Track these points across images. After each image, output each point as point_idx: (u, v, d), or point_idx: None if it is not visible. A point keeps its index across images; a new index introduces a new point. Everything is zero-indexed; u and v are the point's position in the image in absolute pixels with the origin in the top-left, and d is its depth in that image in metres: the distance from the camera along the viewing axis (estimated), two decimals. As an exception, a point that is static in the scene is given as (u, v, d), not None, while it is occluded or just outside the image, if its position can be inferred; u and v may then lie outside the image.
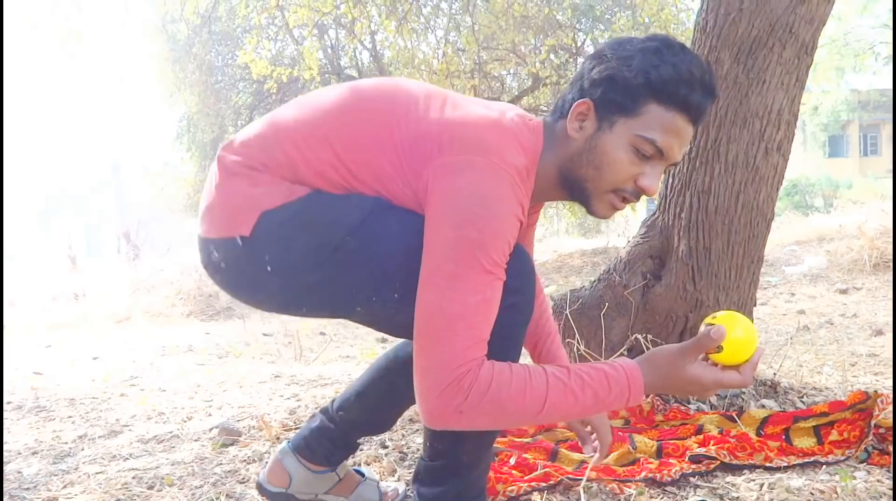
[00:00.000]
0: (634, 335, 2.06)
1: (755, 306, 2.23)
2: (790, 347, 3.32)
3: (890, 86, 24.11)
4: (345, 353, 4.43)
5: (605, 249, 10.70)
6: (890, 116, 25.02)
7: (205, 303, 7.30)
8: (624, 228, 13.06)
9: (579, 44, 9.76)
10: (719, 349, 1.02)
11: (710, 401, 2.01)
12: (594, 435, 1.44)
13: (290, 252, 1.10)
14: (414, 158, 1.07)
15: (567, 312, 2.17)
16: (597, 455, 1.41)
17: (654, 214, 2.29)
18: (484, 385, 0.98)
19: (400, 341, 1.37)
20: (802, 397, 2.15)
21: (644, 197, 1.22)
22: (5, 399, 2.86)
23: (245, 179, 1.11)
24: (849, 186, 23.48)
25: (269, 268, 1.11)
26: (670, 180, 2.22)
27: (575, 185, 1.14)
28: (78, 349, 4.83)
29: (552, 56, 7.69)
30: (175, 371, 3.61)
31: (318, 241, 1.10)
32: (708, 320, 1.06)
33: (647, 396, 0.99)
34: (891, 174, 24.86)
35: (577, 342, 2.11)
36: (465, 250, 0.99)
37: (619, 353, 2.05)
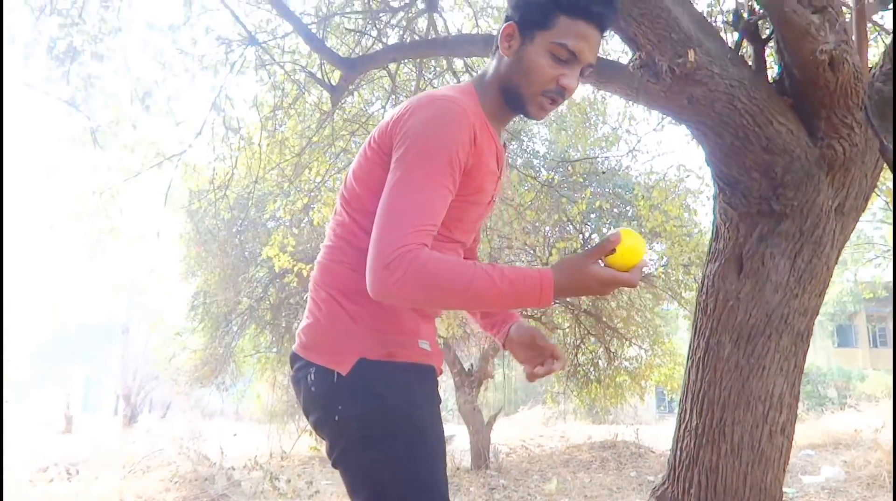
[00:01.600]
0: None
1: None
2: None
3: (891, 279, 24.62)
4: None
5: (615, 442, 10.42)
6: None
7: (199, 489, 7.06)
8: (633, 417, 12.79)
9: (587, 235, 10.25)
10: (614, 251, 1.22)
11: None
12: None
13: (354, 411, 1.29)
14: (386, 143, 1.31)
15: None
16: (557, 363, 1.51)
17: (664, 483, 2.29)
18: (422, 261, 1.16)
19: None
20: None
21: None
22: None
23: (342, 309, 1.33)
24: (861, 379, 23.13)
25: (336, 417, 1.29)
26: (678, 453, 2.25)
27: (512, 93, 1.35)
28: (63, 548, 4.63)
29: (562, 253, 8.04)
30: None
31: (372, 423, 1.28)
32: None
33: (559, 297, 1.21)
34: (903, 367, 24.57)
35: None
36: (412, 159, 1.22)
37: None
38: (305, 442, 11.77)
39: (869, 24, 2.18)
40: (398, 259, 1.16)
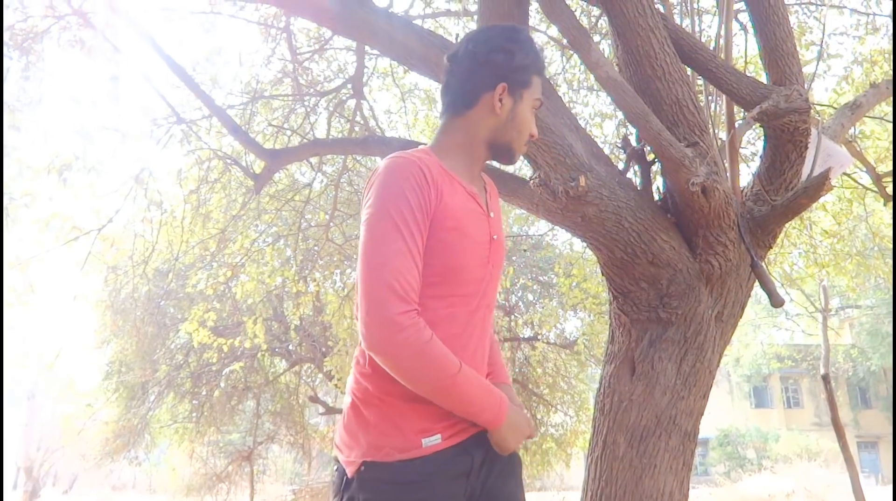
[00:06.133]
0: None
1: None
2: None
3: (801, 342, 26.02)
4: None
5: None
6: (805, 371, 26.66)
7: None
8: (560, 484, 12.83)
9: (513, 302, 10.52)
10: None
11: None
12: None
13: None
14: None
15: None
16: None
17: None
18: (426, 334, 1.24)
19: None
20: None
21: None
22: None
23: (359, 413, 1.39)
24: (776, 440, 24.05)
25: None
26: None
27: (503, 146, 1.49)
28: None
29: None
30: None
31: None
32: None
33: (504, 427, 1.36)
34: (814, 428, 25.73)
35: None
36: (373, 219, 1.29)
37: None
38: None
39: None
40: (402, 315, 1.23)
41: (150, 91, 4.81)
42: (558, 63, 6.50)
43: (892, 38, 5.46)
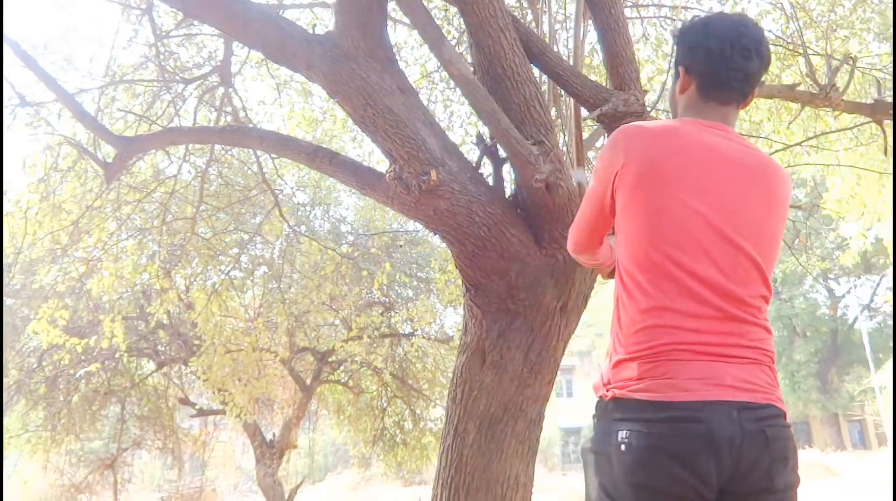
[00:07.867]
0: None
1: None
2: None
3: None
4: None
5: (421, 507, 10.55)
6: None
7: None
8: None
9: (392, 300, 10.56)
10: None
11: None
12: None
13: None
14: None
15: None
16: None
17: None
18: None
19: None
20: None
21: None
22: None
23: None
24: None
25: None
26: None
27: None
28: None
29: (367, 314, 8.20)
30: None
31: None
32: None
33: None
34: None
35: None
36: None
37: None
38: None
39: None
40: None
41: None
42: (434, 61, 6.58)
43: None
